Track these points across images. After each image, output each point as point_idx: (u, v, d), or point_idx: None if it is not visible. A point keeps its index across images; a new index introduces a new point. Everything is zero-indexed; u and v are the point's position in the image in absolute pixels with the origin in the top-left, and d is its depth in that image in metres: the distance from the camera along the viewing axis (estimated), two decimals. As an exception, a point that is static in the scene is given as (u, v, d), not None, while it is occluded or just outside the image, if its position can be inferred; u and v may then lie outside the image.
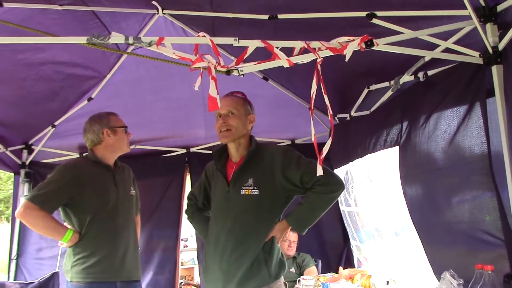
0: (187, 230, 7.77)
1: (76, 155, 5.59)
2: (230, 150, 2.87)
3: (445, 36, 2.66)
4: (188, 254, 8.15)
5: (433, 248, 3.22)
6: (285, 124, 5.55)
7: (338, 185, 2.71)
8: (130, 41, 2.17)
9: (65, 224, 3.21)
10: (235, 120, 2.76)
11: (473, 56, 2.59)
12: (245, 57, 2.31)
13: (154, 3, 3.44)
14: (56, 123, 5.19)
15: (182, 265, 7.03)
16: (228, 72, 2.30)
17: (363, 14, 2.74)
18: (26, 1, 2.93)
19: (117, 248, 3.16)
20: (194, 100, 4.95)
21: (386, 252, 4.64)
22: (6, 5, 2.80)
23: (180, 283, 6.24)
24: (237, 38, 2.24)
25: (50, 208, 3.07)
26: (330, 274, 4.44)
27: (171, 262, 5.66)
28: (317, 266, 5.18)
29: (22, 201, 5.05)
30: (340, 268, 4.35)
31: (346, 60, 2.33)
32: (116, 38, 2.18)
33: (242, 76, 2.34)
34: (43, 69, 4.10)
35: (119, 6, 3.47)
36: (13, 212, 5.78)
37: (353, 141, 4.34)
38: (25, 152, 5.48)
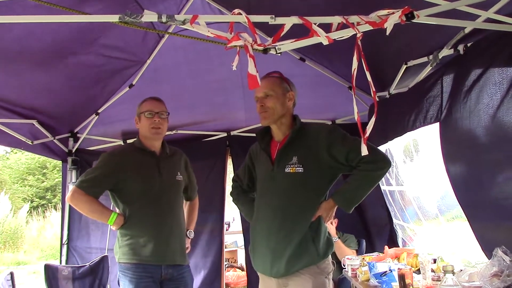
0: (229, 214, 7.86)
1: (119, 142, 5.74)
2: (273, 129, 2.89)
3: (485, 6, 2.59)
4: (230, 237, 8.21)
5: (481, 225, 3.15)
6: (325, 104, 5.53)
7: (384, 162, 2.71)
8: (163, 19, 2.13)
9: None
10: (272, 101, 2.77)
11: (516, 25, 2.51)
12: (281, 34, 2.30)
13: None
14: (99, 111, 5.34)
15: (225, 248, 7.14)
16: (265, 51, 2.27)
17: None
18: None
19: (160, 232, 3.25)
20: (233, 82, 5.00)
21: (431, 230, 4.59)
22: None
23: (225, 265, 6.34)
24: (273, 16, 2.22)
25: (94, 193, 3.25)
26: (376, 253, 4.43)
27: (216, 245, 5.77)
28: (360, 245, 5.17)
29: (70, 187, 5.23)
30: (386, 247, 4.33)
31: (387, 33, 2.28)
32: (149, 16, 2.14)
33: (279, 54, 2.31)
34: (85, 57, 4.22)
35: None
36: (62, 198, 5.96)
37: (392, 119, 4.28)
38: (71, 140, 5.67)
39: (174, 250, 3.33)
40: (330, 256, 2.79)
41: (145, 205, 3.26)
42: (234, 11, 2.20)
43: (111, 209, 3.35)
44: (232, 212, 7.97)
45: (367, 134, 2.45)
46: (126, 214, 3.28)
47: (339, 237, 4.97)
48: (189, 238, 3.61)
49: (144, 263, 3.21)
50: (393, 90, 4.44)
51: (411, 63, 3.91)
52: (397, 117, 4.16)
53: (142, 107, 3.37)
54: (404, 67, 4.02)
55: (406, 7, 2.25)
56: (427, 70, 3.72)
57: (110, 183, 3.29)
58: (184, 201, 3.64)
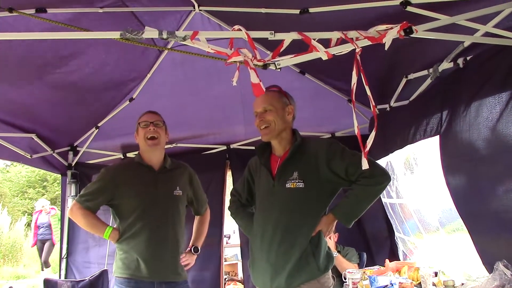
0: (229, 226, 7.82)
1: (119, 155, 5.73)
2: (273, 144, 2.89)
3: (484, 20, 2.60)
4: (231, 250, 8.19)
5: (482, 238, 3.14)
6: (324, 117, 5.52)
7: (384, 177, 2.70)
8: (164, 35, 2.16)
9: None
10: (272, 115, 2.77)
11: (515, 39, 2.52)
12: (281, 50, 2.31)
13: (191, -2, 3.47)
14: (99, 124, 5.33)
15: (225, 261, 7.09)
16: (265, 66, 2.29)
17: (396, 2, 2.69)
18: (68, 6, 3.03)
19: (152, 248, 3.25)
20: (233, 98, 5.00)
21: (432, 244, 4.57)
22: (49, 10, 2.90)
23: (224, 279, 6.30)
24: (273, 31, 2.23)
25: (90, 207, 3.32)
26: (376, 267, 4.41)
27: (215, 258, 5.71)
28: (361, 258, 5.14)
29: (70, 201, 5.23)
30: (387, 260, 4.31)
31: (386, 48, 2.29)
32: (150, 33, 2.18)
33: (279, 70, 2.33)
34: (85, 72, 4.22)
35: (157, 5, 3.53)
36: (62, 212, 5.95)
37: (393, 132, 4.28)
38: (70, 154, 5.65)
39: (168, 266, 3.33)
40: (330, 270, 2.78)
41: (139, 220, 3.28)
42: (234, 27, 2.22)
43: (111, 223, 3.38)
44: (232, 225, 7.93)
45: (367, 148, 2.45)
46: (120, 229, 3.32)
47: (339, 251, 4.94)
48: (193, 254, 3.58)
49: (136, 278, 3.23)
50: (393, 103, 4.44)
51: (411, 76, 3.92)
52: (398, 130, 4.17)
53: (139, 120, 3.40)
54: (404, 80, 4.03)
55: (405, 22, 2.26)
56: (427, 83, 3.72)
57: (106, 198, 3.34)
58: (194, 215, 3.70)
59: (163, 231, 3.32)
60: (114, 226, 3.36)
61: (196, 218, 3.77)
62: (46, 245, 11.61)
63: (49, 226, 11.68)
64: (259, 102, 2.79)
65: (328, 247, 2.83)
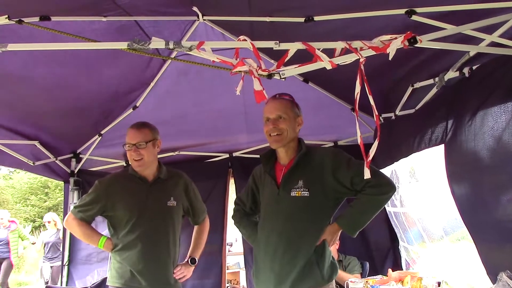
0: (232, 234, 7.79)
1: (122, 163, 5.72)
2: (278, 153, 2.88)
3: (489, 30, 2.59)
4: (233, 258, 8.15)
5: (486, 248, 3.12)
6: (327, 126, 5.50)
7: (389, 187, 2.68)
8: (171, 46, 2.17)
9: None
10: (286, 124, 2.76)
11: (520, 49, 2.51)
12: (286, 60, 2.30)
13: (195, 9, 3.47)
14: (102, 132, 5.34)
15: (227, 269, 7.06)
16: (270, 76, 2.29)
17: (402, 11, 2.69)
18: (72, 15, 3.03)
19: (143, 259, 3.26)
20: (236, 107, 5.01)
21: (436, 253, 4.55)
22: (53, 19, 2.90)
23: (227, 287, 6.27)
24: (277, 41, 2.23)
25: (84, 218, 3.37)
26: (379, 276, 4.38)
27: (217, 266, 5.68)
28: (364, 268, 5.12)
29: (71, 208, 5.22)
30: (389, 270, 4.29)
31: (390, 58, 2.30)
32: (157, 43, 2.19)
33: (283, 79, 2.32)
34: (90, 82, 4.24)
35: (161, 14, 3.54)
36: (63, 219, 5.94)
37: (398, 140, 4.28)
38: (73, 161, 5.64)
39: (160, 279, 3.34)
40: (334, 280, 2.76)
41: (131, 232, 3.29)
42: (239, 37, 2.22)
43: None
44: (234, 233, 7.91)
45: (370, 158, 2.45)
46: (114, 239, 3.35)
47: (341, 260, 4.92)
48: (190, 265, 3.56)
49: None
50: (399, 111, 4.43)
51: (417, 85, 3.92)
52: (403, 139, 4.16)
53: (127, 136, 3.33)
54: (410, 89, 4.02)
55: (409, 32, 2.25)
56: (433, 92, 3.72)
57: (99, 210, 3.37)
58: (193, 225, 3.69)
59: (155, 243, 3.32)
60: (108, 235, 3.40)
61: (195, 228, 3.75)
62: (3, 265, 9.52)
63: (7, 244, 9.61)
64: (273, 108, 2.78)
65: (333, 257, 2.82)
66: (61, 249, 8.66)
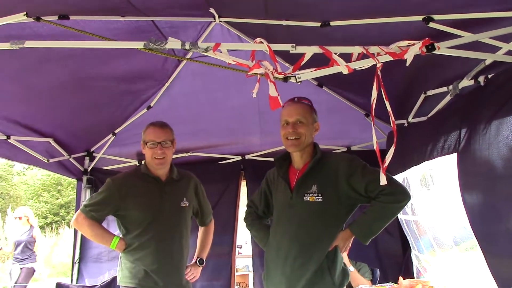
0: (242, 237, 7.78)
1: (135, 162, 5.75)
2: (293, 157, 2.88)
3: (507, 38, 2.57)
4: (242, 261, 8.14)
5: (497, 260, 3.07)
6: (341, 131, 5.49)
7: (403, 195, 2.67)
8: (187, 46, 2.18)
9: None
10: (304, 128, 2.76)
11: (537, 58, 2.49)
12: (302, 63, 2.30)
13: (212, 10, 3.49)
14: (116, 131, 5.38)
15: (236, 271, 7.06)
16: (286, 79, 2.30)
17: (419, 18, 2.68)
18: (90, 14, 3.07)
19: (157, 259, 3.25)
20: (250, 109, 5.02)
21: (446, 262, 4.51)
22: (72, 18, 2.93)
23: (235, 290, 6.26)
24: (294, 44, 2.23)
25: (95, 218, 3.30)
26: (389, 284, 4.35)
27: (226, 268, 5.68)
28: (374, 275, 5.09)
29: (81, 207, 5.26)
30: (400, 278, 4.25)
31: (407, 64, 2.29)
32: (173, 43, 2.20)
33: (299, 83, 2.33)
34: (105, 80, 4.27)
35: (178, 15, 3.56)
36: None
37: (410, 148, 4.24)
38: (87, 159, 5.68)
39: (173, 281, 3.33)
40: (345, 286, 2.75)
41: (145, 233, 3.27)
42: (256, 39, 2.23)
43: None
44: (244, 235, 7.91)
45: (386, 164, 2.44)
46: (127, 239, 3.31)
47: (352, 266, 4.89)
48: (199, 266, 3.57)
49: None
50: (411, 118, 4.41)
51: (430, 92, 3.89)
52: (415, 146, 4.13)
53: (146, 135, 3.32)
54: (423, 96, 4.00)
55: (427, 38, 2.25)
56: (447, 100, 3.69)
57: (110, 209, 3.33)
58: (199, 226, 3.67)
59: (170, 244, 3.32)
60: (119, 235, 3.36)
61: (201, 229, 3.74)
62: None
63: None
64: (293, 112, 2.78)
65: (344, 263, 2.81)
66: (33, 249, 8.37)
